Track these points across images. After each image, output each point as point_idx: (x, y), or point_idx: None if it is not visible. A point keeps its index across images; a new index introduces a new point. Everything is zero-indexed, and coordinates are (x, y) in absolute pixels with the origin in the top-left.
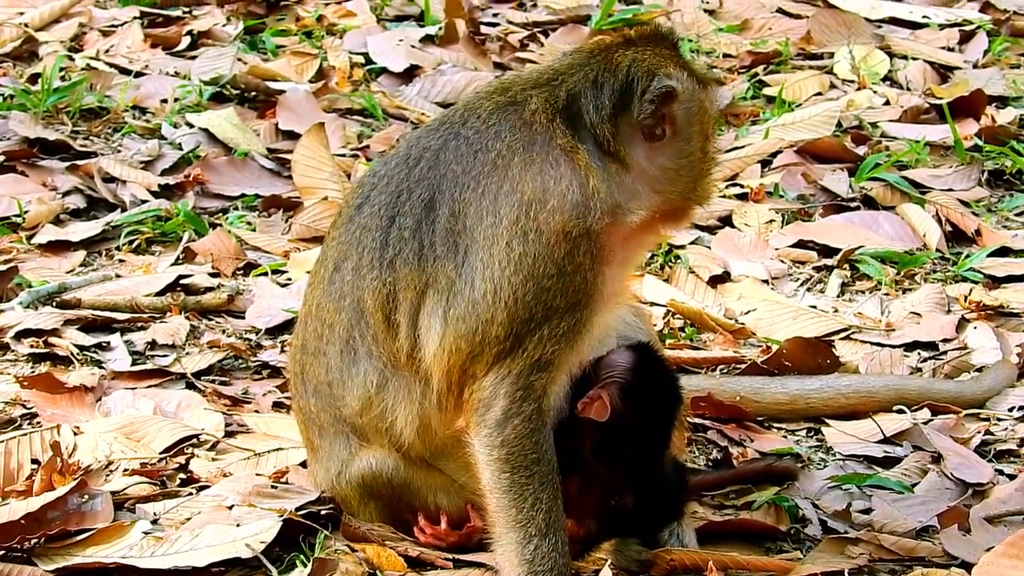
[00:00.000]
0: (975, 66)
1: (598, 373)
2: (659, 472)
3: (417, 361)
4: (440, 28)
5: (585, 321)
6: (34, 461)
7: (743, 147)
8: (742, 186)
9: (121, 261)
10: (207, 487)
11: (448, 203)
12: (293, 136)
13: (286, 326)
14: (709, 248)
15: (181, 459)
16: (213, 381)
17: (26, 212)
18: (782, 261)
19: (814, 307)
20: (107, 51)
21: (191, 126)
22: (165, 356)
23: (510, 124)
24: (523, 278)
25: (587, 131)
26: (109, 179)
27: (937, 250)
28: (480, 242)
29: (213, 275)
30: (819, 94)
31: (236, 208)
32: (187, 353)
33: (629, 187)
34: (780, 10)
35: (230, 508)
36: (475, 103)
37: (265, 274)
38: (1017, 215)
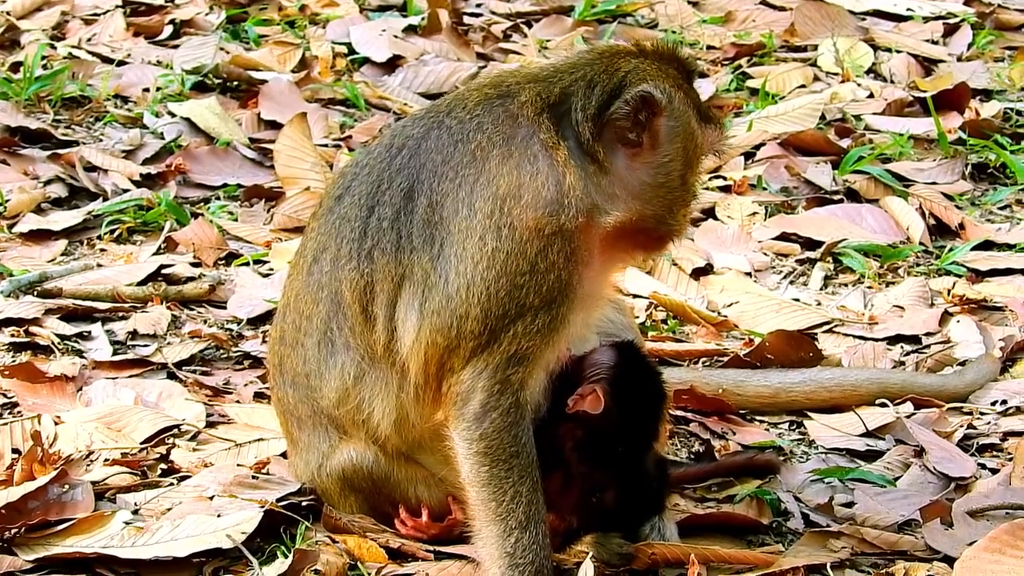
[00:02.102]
0: (959, 59)
1: (584, 371)
2: (641, 468)
3: (394, 353)
4: (423, 18)
5: (561, 319)
6: (14, 450)
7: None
8: (725, 178)
9: (102, 250)
10: (188, 477)
11: (426, 193)
12: (275, 126)
13: (268, 316)
14: (692, 240)
15: (162, 449)
16: (194, 371)
17: (7, 201)
18: (765, 254)
19: (797, 300)
20: (89, 40)
21: (173, 115)
22: (146, 346)
23: (494, 116)
24: (496, 274)
25: (571, 129)
26: (91, 168)
27: (920, 243)
28: (455, 235)
29: (195, 265)
30: (803, 86)
31: (218, 198)
32: (168, 343)
33: (606, 190)
34: (764, 2)
35: (211, 499)
36: (464, 94)
37: (247, 264)
38: (1000, 208)
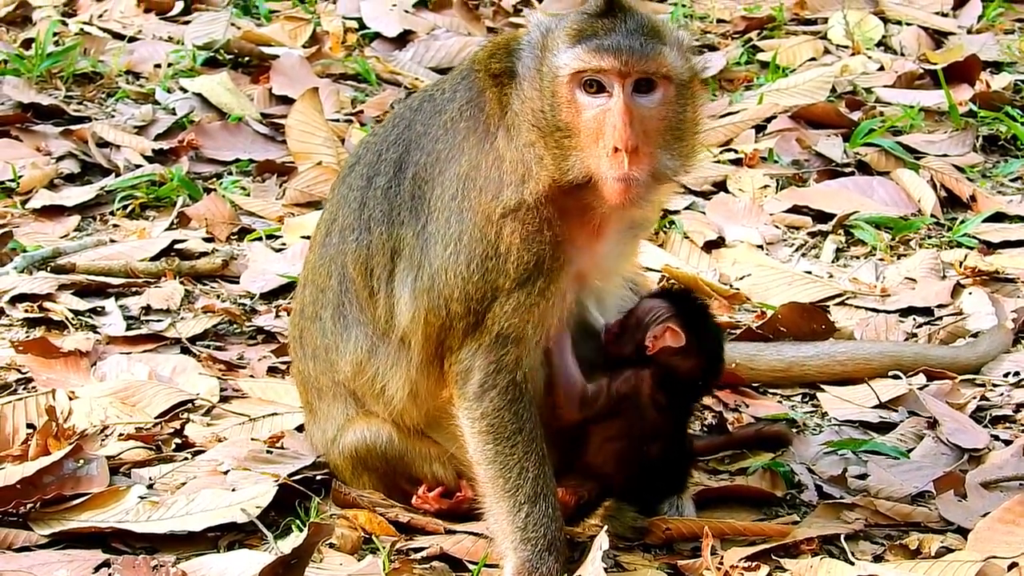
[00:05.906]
0: (969, 31)
1: (641, 320)
2: (685, 423)
3: (396, 329)
4: None
5: (543, 296)
6: (29, 426)
7: (737, 112)
8: (736, 151)
9: (115, 226)
10: (202, 452)
11: (412, 165)
12: (287, 101)
13: (280, 291)
14: (704, 213)
15: (176, 424)
16: (208, 346)
17: (20, 177)
18: (777, 226)
19: (809, 272)
20: (100, 16)
21: (185, 91)
22: (160, 321)
23: (467, 84)
24: (465, 258)
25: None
26: (103, 144)
27: (932, 215)
28: (433, 213)
29: (207, 240)
30: (813, 59)
31: (230, 173)
32: (182, 318)
33: (522, 147)
34: None
35: (225, 473)
36: (458, 65)
37: (259, 239)
38: (1012, 180)
